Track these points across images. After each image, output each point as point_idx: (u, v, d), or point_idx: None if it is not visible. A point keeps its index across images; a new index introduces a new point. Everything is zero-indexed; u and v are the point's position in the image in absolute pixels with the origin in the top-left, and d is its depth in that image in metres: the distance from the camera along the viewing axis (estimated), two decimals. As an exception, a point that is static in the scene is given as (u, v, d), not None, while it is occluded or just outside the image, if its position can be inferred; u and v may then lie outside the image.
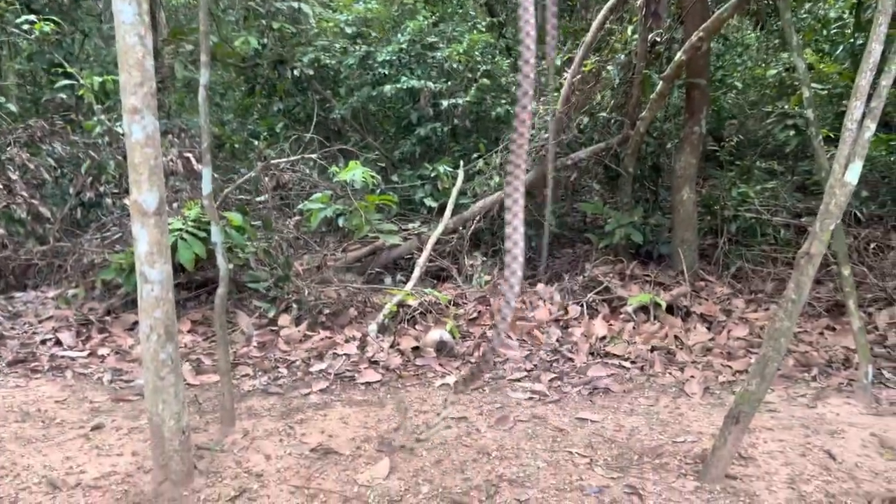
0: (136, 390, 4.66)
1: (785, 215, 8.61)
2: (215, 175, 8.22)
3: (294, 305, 5.96)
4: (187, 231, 5.75)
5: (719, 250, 7.70)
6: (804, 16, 10.59)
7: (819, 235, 3.20)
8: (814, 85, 7.94)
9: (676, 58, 5.98)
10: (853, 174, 3.09)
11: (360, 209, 6.46)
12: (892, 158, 8.74)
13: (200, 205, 6.01)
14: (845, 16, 8.57)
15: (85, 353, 5.29)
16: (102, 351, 5.33)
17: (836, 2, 10.26)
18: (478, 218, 7.37)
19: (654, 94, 6.44)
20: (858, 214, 8.38)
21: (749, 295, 6.80)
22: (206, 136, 3.79)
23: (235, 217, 6.02)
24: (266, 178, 7.54)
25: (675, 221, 7.27)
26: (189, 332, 5.74)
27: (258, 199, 6.91)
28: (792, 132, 7.25)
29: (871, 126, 3.05)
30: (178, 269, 5.98)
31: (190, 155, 7.79)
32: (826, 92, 7.97)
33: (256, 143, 8.22)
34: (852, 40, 7.86)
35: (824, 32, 10.08)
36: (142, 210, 3.06)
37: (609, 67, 6.83)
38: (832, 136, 8.90)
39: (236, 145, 8.85)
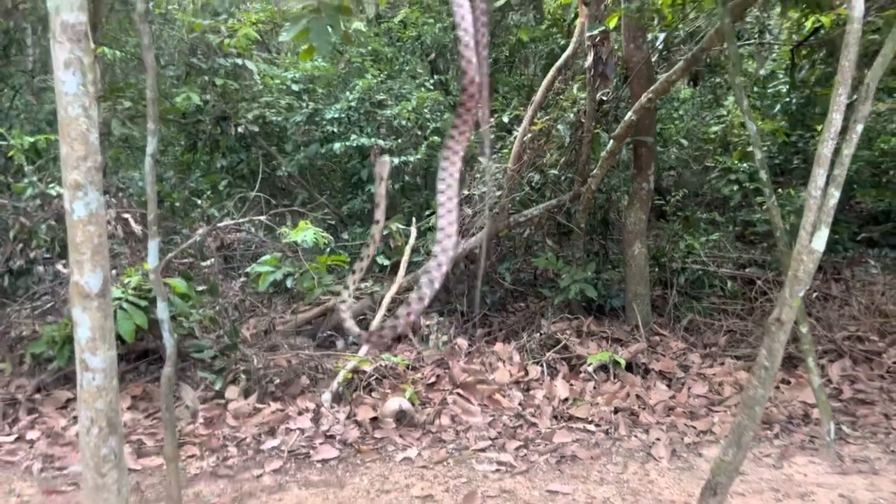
0: (70, 479, 4.27)
1: (730, 266, 8.80)
2: (156, 236, 7.87)
3: (242, 376, 5.65)
4: (127, 300, 5.42)
5: (670, 303, 7.77)
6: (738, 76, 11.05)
7: (789, 302, 3.18)
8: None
9: (626, 118, 6.08)
10: (820, 241, 3.10)
11: (312, 271, 6.24)
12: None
13: (141, 272, 5.69)
14: (780, 75, 8.96)
15: (11, 438, 4.84)
16: (31, 434, 4.90)
17: (766, 61, 10.79)
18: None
19: (604, 153, 6.52)
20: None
21: (703, 349, 6.83)
22: (153, 206, 3.57)
23: (179, 284, 5.71)
24: (210, 240, 7.25)
25: (627, 276, 7.31)
26: (129, 409, 5.35)
27: (203, 263, 6.61)
28: (735, 187, 7.44)
29: (836, 193, 3.08)
30: (116, 340, 5.62)
31: (129, 216, 7.45)
32: (766, 149, 8.26)
33: (199, 201, 7.92)
34: (788, 99, 8.21)
35: (755, 89, 10.55)
36: (83, 292, 2.81)
37: (559, 126, 6.90)
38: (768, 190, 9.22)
39: (176, 203, 8.53)
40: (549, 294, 7.61)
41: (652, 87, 5.72)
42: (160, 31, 10.13)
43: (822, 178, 3.05)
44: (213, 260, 6.40)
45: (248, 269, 6.60)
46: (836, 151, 3.10)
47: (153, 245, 3.60)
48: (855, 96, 3.52)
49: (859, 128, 3.06)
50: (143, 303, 5.51)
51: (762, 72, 10.65)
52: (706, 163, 9.23)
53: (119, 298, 5.42)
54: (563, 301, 7.18)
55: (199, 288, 6.37)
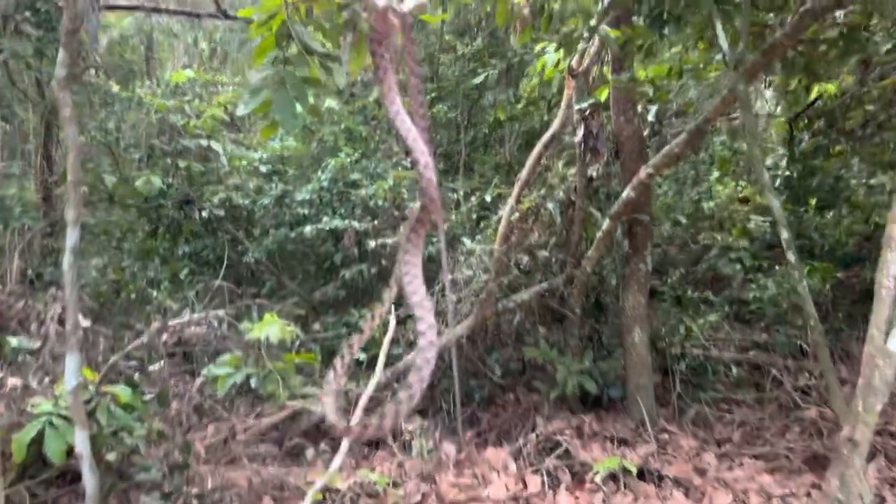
0: None
1: (732, 350, 8.21)
2: (104, 332, 7.12)
3: (194, 501, 4.81)
4: (59, 415, 4.62)
5: (673, 393, 7.12)
6: (719, 147, 10.82)
7: (864, 417, 2.57)
8: (753, 217, 7.84)
9: (624, 195, 5.59)
10: (897, 342, 2.52)
11: (277, 371, 5.52)
12: (826, 286, 8.61)
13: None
14: (777, 148, 8.67)
15: None
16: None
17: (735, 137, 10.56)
18: (413, 371, 6.52)
19: (599, 233, 6.00)
20: (803, 346, 8.08)
21: (717, 447, 6.14)
22: (74, 313, 2.90)
23: (123, 392, 4.94)
24: (167, 335, 6.51)
25: (627, 366, 6.68)
26: (54, 548, 4.48)
27: (151, 367, 5.85)
28: (738, 266, 6.95)
29: (916, 283, 2.53)
30: (45, 462, 4.80)
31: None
32: (767, 223, 7.84)
33: (156, 293, 7.21)
34: (788, 173, 7.88)
35: (740, 163, 10.28)
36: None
37: (549, 205, 6.40)
38: (764, 265, 8.77)
39: (132, 295, 7.80)
40: (542, 387, 6.93)
41: (652, 161, 5.26)
42: (122, 114, 9.64)
43: (896, 264, 2.50)
44: (163, 362, 5.64)
45: (204, 372, 5.84)
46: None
47: (72, 360, 2.91)
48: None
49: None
50: (79, 416, 4.73)
51: (744, 145, 10.40)
52: (699, 240, 8.77)
53: (49, 413, 4.63)
54: (559, 396, 6.50)
55: (149, 393, 5.62)
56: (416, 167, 1.75)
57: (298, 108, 3.69)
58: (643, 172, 5.30)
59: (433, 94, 10.25)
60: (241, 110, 3.67)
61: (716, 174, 10.46)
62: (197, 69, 12.09)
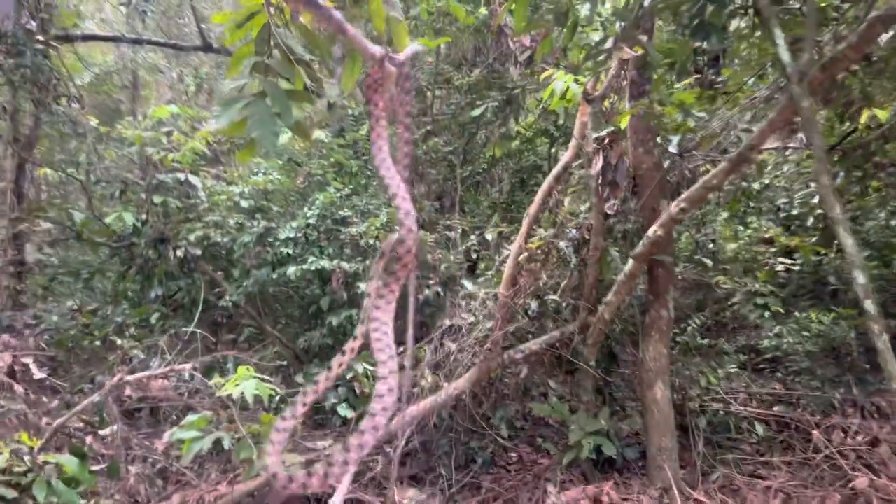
0: None
1: (755, 405, 7.52)
2: (60, 385, 6.35)
3: None
4: (-15, 491, 3.85)
5: (695, 454, 6.39)
6: (728, 187, 10.29)
7: None
8: (781, 259, 7.24)
9: (651, 232, 4.96)
10: None
11: (252, 434, 4.77)
12: (852, 334, 7.99)
13: (14, 449, 4.16)
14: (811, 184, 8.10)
15: None
16: None
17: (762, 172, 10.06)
18: (409, 432, 5.78)
19: (622, 276, 5.35)
20: (835, 402, 7.41)
21: (754, 520, 5.42)
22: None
23: (69, 462, 4.17)
24: (129, 391, 5.73)
25: (648, 425, 5.97)
26: None
27: (102, 432, 5.06)
28: (766, 313, 6.32)
29: None
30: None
31: (30, 361, 5.98)
32: (798, 267, 7.22)
33: (119, 341, 6.45)
34: (820, 210, 7.31)
35: (751, 204, 9.75)
36: None
37: (562, 244, 5.76)
38: (782, 311, 8.14)
39: (96, 342, 7.02)
40: (552, 449, 6.20)
41: (685, 195, 4.65)
42: (94, 146, 8.98)
43: None
44: (116, 427, 4.86)
45: (168, 434, 5.06)
46: None
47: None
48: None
49: None
50: (11, 494, 3.95)
51: (756, 185, 9.89)
52: (715, 283, 8.13)
53: (-26, 487, 3.86)
54: (573, 460, 5.77)
55: (103, 462, 4.83)
56: (397, 216, 1.73)
57: (280, 125, 3.06)
58: (675, 208, 4.68)
59: (426, 129, 9.69)
60: (212, 125, 3.00)
61: (724, 215, 9.92)
62: (182, 105, 11.52)
